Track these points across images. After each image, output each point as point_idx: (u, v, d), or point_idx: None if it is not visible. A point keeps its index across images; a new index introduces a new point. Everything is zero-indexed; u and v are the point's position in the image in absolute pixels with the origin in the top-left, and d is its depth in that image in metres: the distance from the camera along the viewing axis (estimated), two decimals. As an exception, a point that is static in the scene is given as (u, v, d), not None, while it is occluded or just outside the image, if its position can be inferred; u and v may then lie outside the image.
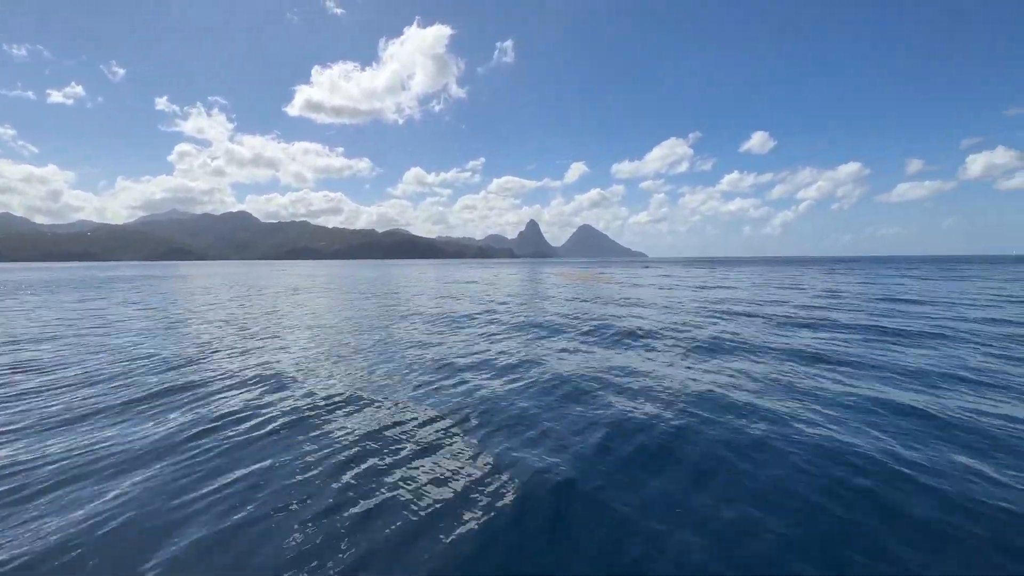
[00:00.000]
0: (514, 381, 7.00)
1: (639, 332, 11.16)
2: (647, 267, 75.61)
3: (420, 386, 6.68)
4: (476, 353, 8.98)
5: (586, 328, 11.86)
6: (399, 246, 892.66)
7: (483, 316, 14.52)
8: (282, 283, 33.34)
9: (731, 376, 7.16)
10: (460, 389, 6.57)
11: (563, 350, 9.25)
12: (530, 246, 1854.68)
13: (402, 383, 6.86)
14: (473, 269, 77.08)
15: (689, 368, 7.74)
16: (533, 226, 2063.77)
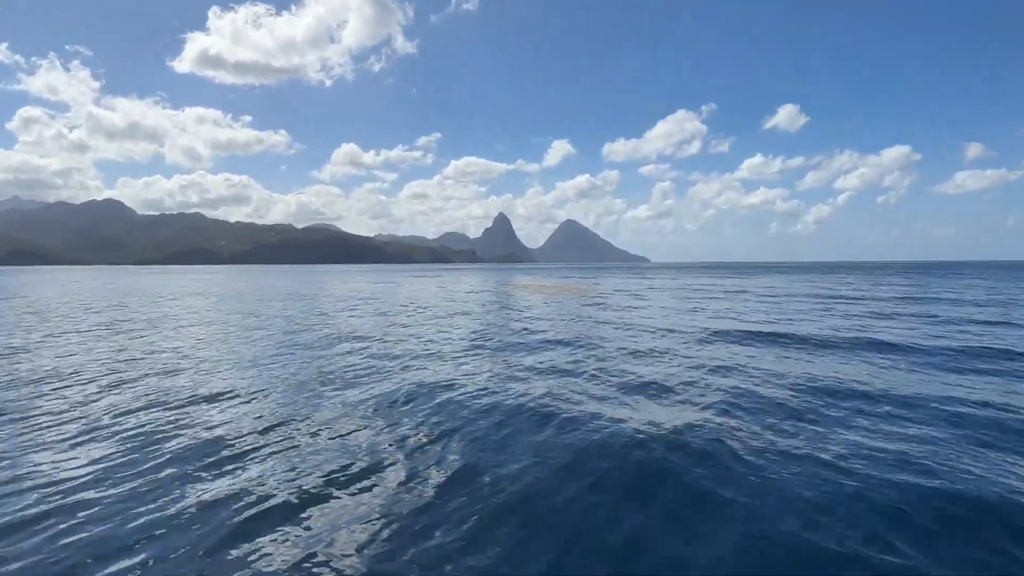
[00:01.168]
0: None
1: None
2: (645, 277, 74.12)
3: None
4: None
5: (568, 370, 11.19)
6: (325, 246, 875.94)
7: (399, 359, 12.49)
8: (134, 307, 26.19)
9: None
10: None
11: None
12: (499, 247, 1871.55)
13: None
14: (416, 279, 73.00)
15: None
16: (503, 221, 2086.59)
